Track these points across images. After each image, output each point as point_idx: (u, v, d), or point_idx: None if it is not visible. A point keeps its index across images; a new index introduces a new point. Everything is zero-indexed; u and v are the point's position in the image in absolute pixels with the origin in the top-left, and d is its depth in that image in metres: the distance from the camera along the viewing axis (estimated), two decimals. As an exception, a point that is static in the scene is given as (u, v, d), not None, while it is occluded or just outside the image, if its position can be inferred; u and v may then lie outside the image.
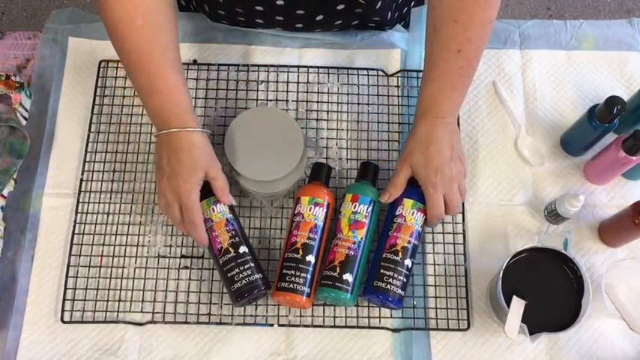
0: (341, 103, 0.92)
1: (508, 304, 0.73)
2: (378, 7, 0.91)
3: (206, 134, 0.77)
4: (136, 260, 0.83)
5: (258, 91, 0.93)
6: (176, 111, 0.75)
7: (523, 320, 0.72)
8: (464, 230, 0.86)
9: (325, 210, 0.79)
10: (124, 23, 0.74)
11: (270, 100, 0.92)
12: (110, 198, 0.86)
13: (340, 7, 0.88)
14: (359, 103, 0.92)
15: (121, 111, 0.90)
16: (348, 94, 0.93)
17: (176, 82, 0.76)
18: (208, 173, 0.75)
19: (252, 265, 0.77)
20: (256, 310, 0.81)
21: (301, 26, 0.93)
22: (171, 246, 0.84)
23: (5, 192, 0.85)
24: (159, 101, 0.76)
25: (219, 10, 0.93)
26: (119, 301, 0.81)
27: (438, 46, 0.78)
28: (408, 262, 0.78)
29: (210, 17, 0.95)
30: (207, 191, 0.79)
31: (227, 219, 0.78)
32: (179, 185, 0.73)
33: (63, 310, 0.80)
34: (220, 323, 0.80)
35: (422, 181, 0.78)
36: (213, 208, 0.78)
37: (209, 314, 0.81)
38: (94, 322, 0.80)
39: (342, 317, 0.81)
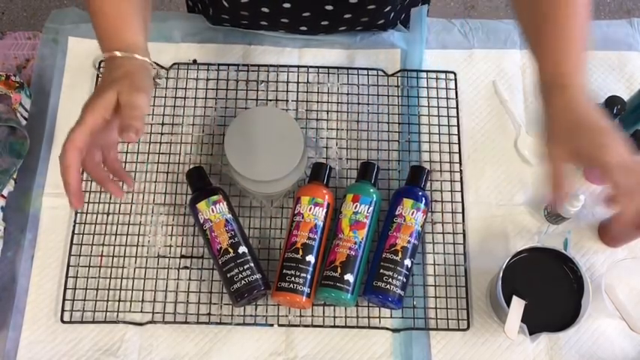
0: (341, 103, 0.92)
1: (508, 304, 0.73)
2: (385, 14, 0.91)
3: (147, 63, 0.68)
4: (136, 260, 0.83)
5: (258, 91, 0.93)
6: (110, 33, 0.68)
7: (523, 320, 0.72)
8: (464, 230, 0.86)
9: (325, 210, 0.79)
10: None
11: (270, 100, 0.92)
12: (110, 198, 0.86)
13: (347, 15, 0.88)
14: (359, 103, 0.92)
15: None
16: (348, 94, 0.93)
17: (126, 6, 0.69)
18: (122, 92, 0.63)
19: (251, 265, 0.77)
20: (256, 310, 0.81)
21: (305, 29, 0.93)
22: (171, 246, 0.84)
23: (5, 192, 0.85)
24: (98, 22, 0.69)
25: (222, 15, 0.93)
26: (119, 301, 0.81)
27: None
28: (407, 262, 0.78)
29: (212, 21, 0.95)
30: (207, 191, 0.80)
31: (226, 219, 0.78)
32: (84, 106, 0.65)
33: (63, 310, 0.80)
34: (220, 323, 0.80)
35: (599, 167, 0.59)
36: (212, 209, 0.78)
37: (209, 314, 0.81)
38: (94, 322, 0.80)
39: (342, 317, 0.81)
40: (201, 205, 0.79)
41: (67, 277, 0.81)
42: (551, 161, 0.61)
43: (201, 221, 0.79)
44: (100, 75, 0.92)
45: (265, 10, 0.88)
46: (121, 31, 0.68)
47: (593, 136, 0.59)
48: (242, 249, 0.77)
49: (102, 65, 0.92)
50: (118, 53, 0.66)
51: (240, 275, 0.76)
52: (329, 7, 0.87)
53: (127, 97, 0.62)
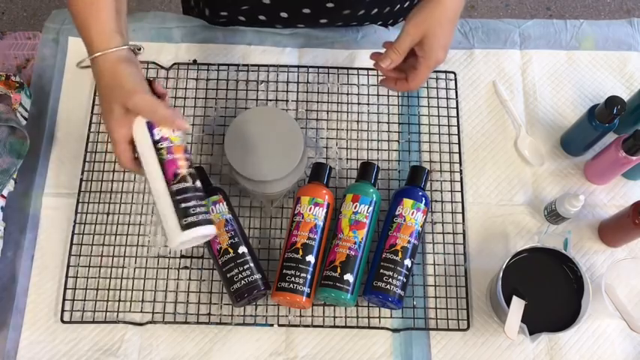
0: (341, 103, 0.92)
1: (508, 304, 0.73)
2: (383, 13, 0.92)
3: (126, 49, 0.68)
4: (135, 260, 0.83)
5: (258, 91, 0.93)
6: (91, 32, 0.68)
7: (523, 320, 0.72)
8: (464, 230, 0.86)
9: (325, 210, 0.79)
10: None
11: (270, 100, 0.92)
12: (110, 198, 0.86)
13: (346, 12, 0.89)
14: (359, 103, 0.92)
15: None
16: (348, 94, 0.93)
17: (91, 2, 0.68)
18: (126, 105, 0.65)
19: (251, 265, 0.77)
20: (256, 310, 0.81)
21: (303, 26, 0.93)
22: (171, 246, 0.84)
23: (5, 192, 0.85)
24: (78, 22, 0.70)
25: (221, 12, 0.93)
26: (119, 301, 0.81)
27: None
28: (407, 262, 0.78)
29: (210, 20, 0.95)
30: (207, 191, 0.80)
31: (226, 219, 0.78)
32: (107, 125, 0.68)
33: (63, 310, 0.80)
34: (220, 323, 0.80)
35: (427, 53, 0.73)
36: (212, 209, 0.78)
37: (209, 314, 0.81)
38: (93, 322, 0.80)
39: (342, 317, 0.81)
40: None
41: (67, 277, 0.81)
42: (406, 31, 0.73)
43: (202, 221, 0.78)
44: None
45: (266, 1, 0.88)
46: (91, 29, 0.68)
47: (447, 35, 0.73)
48: (242, 249, 0.77)
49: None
50: (96, 54, 0.67)
51: (240, 275, 0.76)
52: (330, 5, 0.87)
53: (132, 104, 0.65)
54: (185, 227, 0.64)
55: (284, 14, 0.92)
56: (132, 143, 0.67)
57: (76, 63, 0.89)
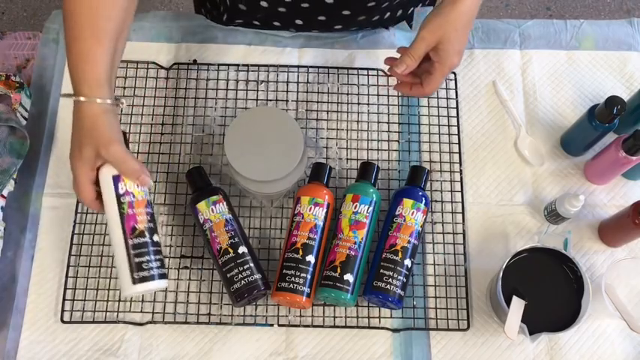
0: (341, 103, 0.92)
1: (508, 304, 0.73)
2: (382, 12, 0.92)
3: (108, 104, 0.69)
4: (135, 260, 0.83)
5: (258, 91, 0.93)
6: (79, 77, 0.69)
7: (523, 320, 0.72)
8: (464, 230, 0.86)
9: (325, 210, 0.79)
10: None
11: (270, 100, 0.92)
12: (110, 198, 0.86)
13: (361, 18, 0.90)
14: (359, 103, 0.92)
15: (121, 111, 0.90)
16: (348, 94, 0.93)
17: (91, 46, 0.69)
18: (100, 152, 0.67)
19: (251, 265, 0.77)
20: (256, 310, 0.81)
21: (301, 23, 0.94)
22: (171, 246, 0.84)
23: (5, 192, 0.85)
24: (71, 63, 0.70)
25: (237, 19, 0.93)
26: (119, 301, 0.81)
27: None
28: (407, 262, 0.78)
29: (224, 24, 0.96)
30: (207, 191, 0.80)
31: (226, 219, 0.78)
32: (73, 164, 0.69)
33: (63, 310, 0.80)
34: (220, 323, 0.80)
35: (442, 58, 0.74)
36: (212, 209, 0.78)
37: (209, 314, 0.81)
38: (93, 322, 0.80)
39: (342, 317, 0.81)
40: (201, 205, 0.79)
41: (67, 277, 0.81)
42: (422, 37, 0.73)
43: (201, 221, 0.79)
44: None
45: (282, 9, 0.89)
46: (85, 70, 0.68)
47: (462, 41, 0.74)
48: (242, 249, 0.77)
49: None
50: (82, 98, 0.67)
51: (240, 275, 0.76)
52: (329, 1, 0.87)
53: (106, 153, 0.67)
54: (137, 281, 0.68)
55: (299, 21, 0.92)
56: (96, 184, 0.69)
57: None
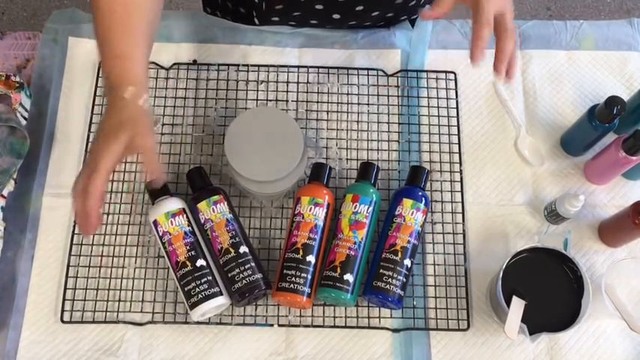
0: (341, 103, 0.92)
1: (508, 304, 0.73)
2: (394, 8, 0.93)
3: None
4: (135, 260, 0.83)
5: (258, 91, 0.93)
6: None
7: (523, 320, 0.72)
8: (464, 230, 0.86)
9: (325, 210, 0.79)
10: None
11: (270, 100, 0.92)
12: (110, 198, 0.86)
13: (375, 13, 0.91)
14: (359, 103, 0.92)
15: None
16: (348, 94, 0.93)
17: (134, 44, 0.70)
18: (136, 139, 0.66)
19: (252, 265, 0.77)
20: (256, 310, 0.81)
21: (316, 22, 0.95)
22: (171, 246, 0.84)
23: (5, 192, 0.85)
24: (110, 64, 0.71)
25: (272, 18, 0.94)
26: (119, 301, 0.81)
27: None
28: (407, 262, 0.78)
29: (260, 20, 0.96)
30: (207, 191, 0.80)
31: (227, 219, 0.78)
32: (101, 151, 0.66)
33: (63, 310, 0.80)
34: (220, 323, 0.80)
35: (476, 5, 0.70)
36: (213, 209, 0.78)
37: (209, 314, 0.81)
38: (93, 322, 0.80)
39: (342, 317, 0.81)
40: (202, 205, 0.79)
41: (67, 277, 0.81)
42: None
43: (202, 221, 0.79)
44: (101, 75, 0.92)
45: (319, 6, 0.89)
46: (129, 67, 0.69)
47: None
48: (243, 249, 0.77)
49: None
50: (126, 95, 0.67)
51: (242, 275, 0.76)
52: None
53: (142, 141, 0.67)
54: (191, 307, 0.76)
55: (336, 15, 0.92)
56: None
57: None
